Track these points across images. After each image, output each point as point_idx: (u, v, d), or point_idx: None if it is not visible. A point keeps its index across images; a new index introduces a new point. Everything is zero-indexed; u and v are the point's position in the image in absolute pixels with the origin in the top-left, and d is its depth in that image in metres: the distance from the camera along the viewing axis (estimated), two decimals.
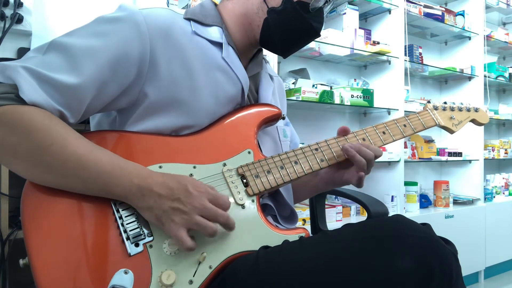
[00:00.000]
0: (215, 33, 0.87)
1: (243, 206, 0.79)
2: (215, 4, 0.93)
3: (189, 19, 0.86)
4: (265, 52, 2.01)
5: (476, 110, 1.07)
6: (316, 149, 0.88)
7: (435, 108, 1.02)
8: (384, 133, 0.94)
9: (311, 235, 0.79)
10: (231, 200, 0.78)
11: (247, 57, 0.95)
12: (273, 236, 0.77)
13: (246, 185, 0.81)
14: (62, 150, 0.67)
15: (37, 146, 0.66)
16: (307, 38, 0.93)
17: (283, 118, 0.93)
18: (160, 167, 0.76)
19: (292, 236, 0.77)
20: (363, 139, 0.92)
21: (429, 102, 1.08)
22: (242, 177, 0.81)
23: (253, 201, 0.80)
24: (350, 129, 0.93)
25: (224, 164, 0.81)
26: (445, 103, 1.04)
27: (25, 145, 0.66)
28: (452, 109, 1.04)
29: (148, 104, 0.78)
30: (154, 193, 0.68)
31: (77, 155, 0.68)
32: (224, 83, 0.85)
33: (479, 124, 1.08)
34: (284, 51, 0.95)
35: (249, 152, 0.84)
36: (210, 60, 0.84)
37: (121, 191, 0.69)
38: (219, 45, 0.87)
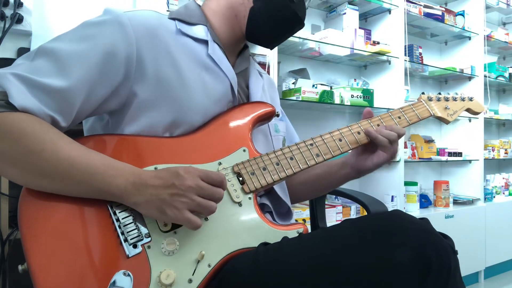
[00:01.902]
0: (199, 31, 0.88)
1: (240, 204, 0.79)
2: (199, 5, 0.94)
3: (173, 19, 0.87)
4: (264, 52, 2.01)
5: (471, 99, 1.07)
6: (311, 145, 0.88)
7: (430, 99, 1.02)
8: (378, 125, 0.94)
9: (309, 231, 0.79)
10: (227, 198, 0.78)
11: (234, 53, 0.96)
12: (272, 232, 0.77)
13: (242, 183, 0.81)
14: (54, 155, 0.67)
15: (29, 151, 0.66)
16: (292, 27, 0.93)
17: (277, 116, 0.94)
18: (156, 168, 0.76)
19: (291, 232, 0.78)
20: (358, 133, 0.92)
21: (423, 93, 1.08)
22: (238, 175, 0.81)
23: (250, 198, 0.80)
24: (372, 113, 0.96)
25: (220, 163, 0.81)
26: (439, 93, 1.04)
27: (16, 151, 0.66)
28: (446, 99, 1.04)
29: (137, 103, 0.79)
30: (149, 186, 0.68)
31: (69, 158, 0.68)
32: (211, 80, 0.86)
33: (474, 113, 1.08)
34: (270, 42, 0.96)
35: (244, 150, 0.84)
36: (196, 58, 0.85)
37: (116, 190, 0.69)
38: (204, 42, 0.88)
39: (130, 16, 0.79)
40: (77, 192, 0.70)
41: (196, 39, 0.87)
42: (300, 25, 0.93)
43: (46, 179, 0.68)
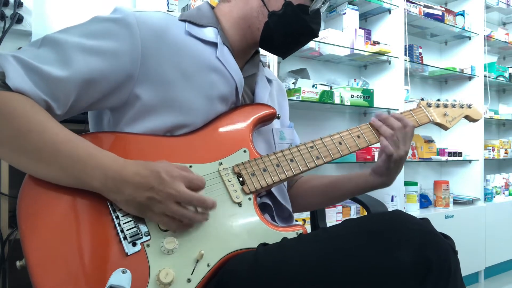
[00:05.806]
0: (209, 33, 0.88)
1: (240, 204, 0.79)
2: (212, 7, 0.94)
3: (184, 21, 0.87)
4: (265, 52, 2.01)
5: (469, 106, 1.08)
6: (311, 147, 0.89)
7: (429, 105, 1.03)
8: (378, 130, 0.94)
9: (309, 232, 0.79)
10: (227, 198, 0.78)
11: (244, 58, 0.95)
12: (271, 233, 0.77)
13: (242, 183, 0.81)
14: (40, 137, 0.67)
15: (16, 131, 0.67)
16: (306, 39, 0.94)
17: (278, 118, 0.94)
18: None
19: (290, 233, 0.77)
20: (358, 136, 0.93)
21: (422, 99, 1.08)
22: (238, 175, 0.81)
23: (250, 199, 0.80)
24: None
25: (220, 163, 0.81)
26: (438, 100, 1.05)
27: (4, 130, 0.67)
28: (445, 105, 1.05)
29: (140, 105, 0.79)
30: (129, 185, 0.68)
31: (54, 142, 0.68)
32: (217, 82, 0.85)
33: (473, 120, 1.09)
34: (284, 53, 0.96)
35: (244, 151, 0.84)
36: (203, 60, 0.85)
37: (96, 183, 0.68)
38: (213, 45, 0.87)
39: (138, 16, 0.79)
40: (60, 178, 0.69)
41: (206, 42, 0.87)
42: (314, 36, 0.94)
43: (30, 160, 0.68)
